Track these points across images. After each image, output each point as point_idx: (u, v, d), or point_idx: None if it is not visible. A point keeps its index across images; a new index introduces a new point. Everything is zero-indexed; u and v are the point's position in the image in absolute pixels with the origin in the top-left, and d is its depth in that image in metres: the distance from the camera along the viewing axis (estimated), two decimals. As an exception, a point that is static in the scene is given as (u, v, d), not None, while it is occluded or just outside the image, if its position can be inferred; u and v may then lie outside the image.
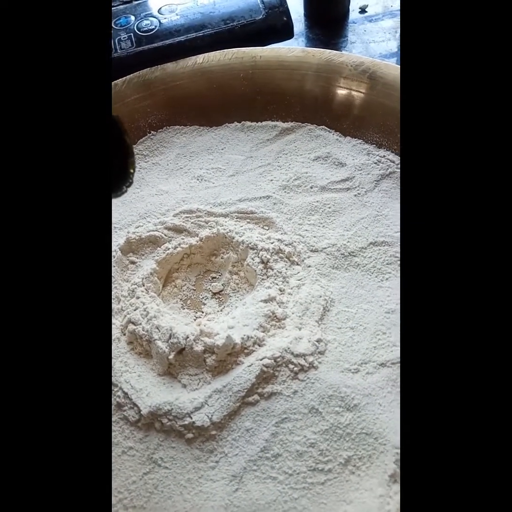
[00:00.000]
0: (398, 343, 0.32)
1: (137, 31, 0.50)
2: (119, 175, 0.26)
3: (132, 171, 0.26)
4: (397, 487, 0.27)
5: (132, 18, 0.52)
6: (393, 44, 0.58)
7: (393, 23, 0.60)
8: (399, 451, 0.28)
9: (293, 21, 0.52)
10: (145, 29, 0.50)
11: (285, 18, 0.50)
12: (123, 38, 0.50)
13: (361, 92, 0.43)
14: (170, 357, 0.32)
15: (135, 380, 0.32)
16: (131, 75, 0.49)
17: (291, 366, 0.31)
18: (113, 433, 0.31)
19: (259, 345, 0.32)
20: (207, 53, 0.49)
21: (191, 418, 0.30)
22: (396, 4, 0.63)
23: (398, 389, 0.30)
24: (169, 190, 0.44)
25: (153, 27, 0.50)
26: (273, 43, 0.51)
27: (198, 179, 0.45)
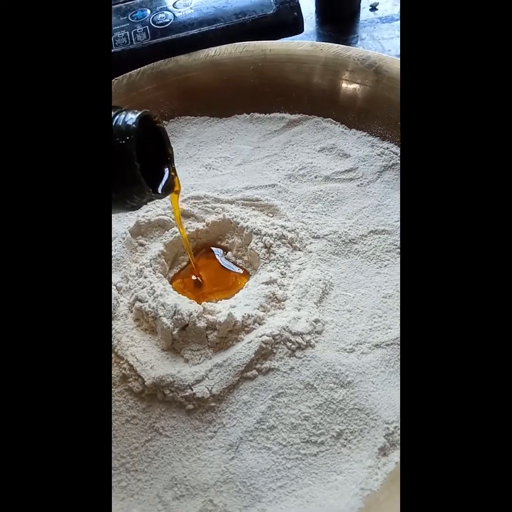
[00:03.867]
0: (393, 326, 0.33)
1: (152, 24, 0.52)
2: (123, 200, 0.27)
3: (136, 197, 0.27)
4: (385, 459, 0.28)
5: (148, 11, 0.53)
6: (403, 41, 0.59)
7: (403, 21, 0.61)
8: (389, 426, 0.29)
9: (304, 18, 0.53)
10: (160, 22, 0.52)
11: (295, 13, 0.51)
12: (139, 30, 0.52)
13: (366, 85, 0.44)
14: (174, 332, 0.33)
15: (140, 354, 0.34)
16: (146, 66, 0.51)
17: (288, 344, 0.32)
18: (118, 403, 0.32)
19: (259, 324, 0.34)
20: (219, 46, 0.50)
21: (192, 390, 0.31)
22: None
23: (391, 369, 0.31)
24: (179, 177, 0.46)
25: (168, 20, 0.52)
26: (283, 37, 0.52)
27: (206, 168, 0.46)
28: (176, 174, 0.31)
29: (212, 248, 0.42)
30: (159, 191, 0.29)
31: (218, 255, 0.41)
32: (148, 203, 0.29)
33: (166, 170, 0.30)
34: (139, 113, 0.26)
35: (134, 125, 0.25)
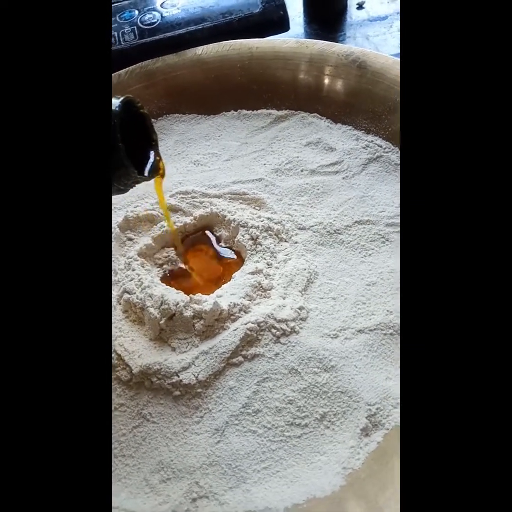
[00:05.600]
0: (377, 312, 0.34)
1: (140, 24, 0.53)
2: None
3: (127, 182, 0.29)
4: (367, 440, 0.29)
5: (136, 12, 0.54)
6: (389, 38, 0.60)
7: (389, 18, 0.62)
8: (371, 407, 0.29)
9: (292, 18, 0.54)
10: (147, 22, 0.53)
11: (281, 12, 0.52)
12: (127, 31, 0.53)
13: (350, 80, 0.45)
14: (161, 322, 0.34)
15: (128, 344, 0.34)
16: (134, 66, 0.52)
17: (273, 330, 0.33)
18: (106, 392, 0.33)
19: (245, 312, 0.34)
20: (206, 45, 0.51)
21: (179, 376, 0.32)
22: None
23: (374, 354, 0.32)
24: (167, 173, 0.46)
25: (155, 20, 0.53)
26: (269, 36, 0.53)
27: (194, 164, 0.47)
28: (161, 158, 0.32)
29: (207, 232, 0.42)
30: (145, 174, 0.30)
31: (212, 241, 0.41)
32: (134, 186, 0.29)
33: (151, 154, 0.31)
34: (122, 98, 0.27)
35: (117, 109, 0.26)
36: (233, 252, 0.41)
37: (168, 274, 0.40)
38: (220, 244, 0.41)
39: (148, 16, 0.53)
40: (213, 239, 0.42)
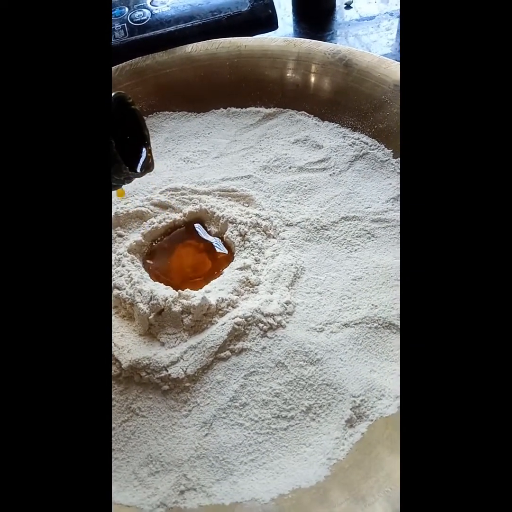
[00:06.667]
0: (362, 306, 0.34)
1: (130, 22, 0.53)
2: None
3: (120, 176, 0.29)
4: (352, 431, 0.29)
5: (126, 9, 0.54)
6: (377, 37, 0.60)
7: (377, 18, 0.63)
8: (356, 399, 0.30)
9: (282, 17, 0.55)
10: (137, 19, 0.53)
11: (269, 11, 0.52)
12: (117, 28, 0.53)
13: (337, 78, 0.46)
14: (150, 317, 0.34)
15: (118, 339, 0.35)
16: (124, 63, 0.52)
17: (260, 325, 0.33)
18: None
19: (233, 307, 0.35)
20: (195, 43, 0.51)
21: (167, 371, 0.32)
22: (380, -1, 0.65)
23: (359, 347, 0.33)
24: (157, 170, 0.46)
25: (145, 17, 0.53)
26: (258, 34, 0.53)
27: (184, 161, 0.48)
28: (151, 155, 0.32)
29: (196, 225, 0.42)
30: (137, 170, 0.30)
31: (202, 233, 0.42)
32: (126, 183, 0.30)
33: (143, 151, 0.32)
34: (113, 94, 0.27)
35: None
36: (220, 242, 0.41)
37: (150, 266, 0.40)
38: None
39: (138, 13, 0.54)
40: (203, 231, 0.42)
